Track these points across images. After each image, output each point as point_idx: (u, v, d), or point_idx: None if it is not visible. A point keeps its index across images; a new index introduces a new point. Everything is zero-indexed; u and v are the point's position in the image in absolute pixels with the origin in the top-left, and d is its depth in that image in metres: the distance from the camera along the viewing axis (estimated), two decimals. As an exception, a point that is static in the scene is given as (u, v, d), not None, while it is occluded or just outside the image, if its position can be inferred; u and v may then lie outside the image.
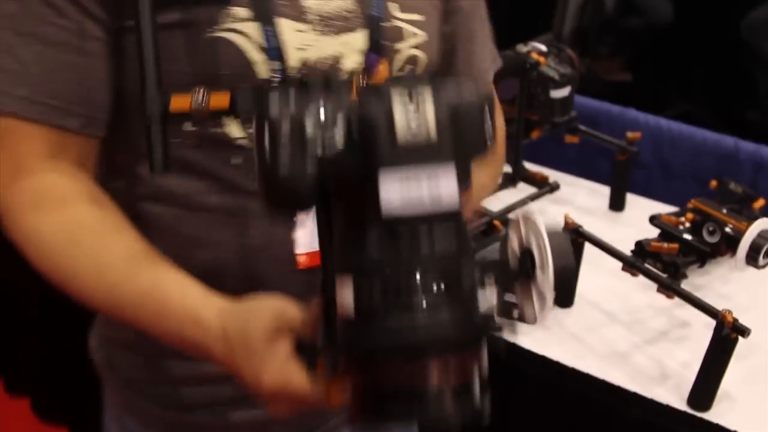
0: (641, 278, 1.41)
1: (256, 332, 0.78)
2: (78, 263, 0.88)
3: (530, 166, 1.95)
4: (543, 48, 1.82)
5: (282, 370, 0.76)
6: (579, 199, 1.91)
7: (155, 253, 0.88)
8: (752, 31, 4.00)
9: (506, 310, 0.66)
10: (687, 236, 1.47)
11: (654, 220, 1.55)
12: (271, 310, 0.79)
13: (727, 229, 1.43)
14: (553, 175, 1.94)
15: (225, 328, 0.81)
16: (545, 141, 2.00)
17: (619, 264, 1.43)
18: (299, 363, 0.75)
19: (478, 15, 1.13)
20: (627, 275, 1.43)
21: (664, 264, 1.42)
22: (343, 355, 0.64)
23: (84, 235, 0.88)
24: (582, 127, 1.91)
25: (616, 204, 1.88)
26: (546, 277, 0.64)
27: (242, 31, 0.90)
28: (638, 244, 1.46)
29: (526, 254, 0.66)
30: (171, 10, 0.87)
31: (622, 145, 1.84)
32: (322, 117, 0.62)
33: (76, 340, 1.20)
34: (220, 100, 0.74)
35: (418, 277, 0.59)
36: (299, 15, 0.93)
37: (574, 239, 1.46)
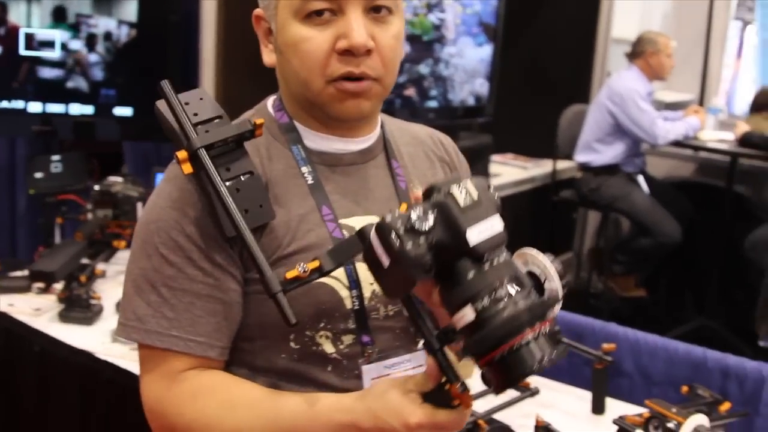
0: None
1: (392, 394, 1.06)
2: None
3: (524, 375, 2.21)
4: (526, 271, 2.13)
5: (424, 409, 1.04)
6: (564, 404, 2.14)
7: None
8: (755, 248, 4.28)
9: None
10: (639, 432, 1.71)
11: (617, 420, 1.80)
12: (397, 381, 1.07)
13: (670, 425, 1.67)
14: (541, 382, 2.19)
15: (366, 402, 1.08)
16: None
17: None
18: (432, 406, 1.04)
19: None
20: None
21: (618, 457, 1.66)
22: (477, 353, 0.95)
23: (238, 400, 1.17)
24: (565, 340, 2.17)
25: (597, 408, 2.11)
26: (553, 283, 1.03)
27: (335, 276, 1.20)
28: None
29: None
30: (284, 266, 1.16)
31: (599, 355, 2.10)
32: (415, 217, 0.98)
33: None
34: (313, 263, 1.08)
35: (506, 281, 0.96)
36: None
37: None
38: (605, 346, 2.12)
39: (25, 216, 3.34)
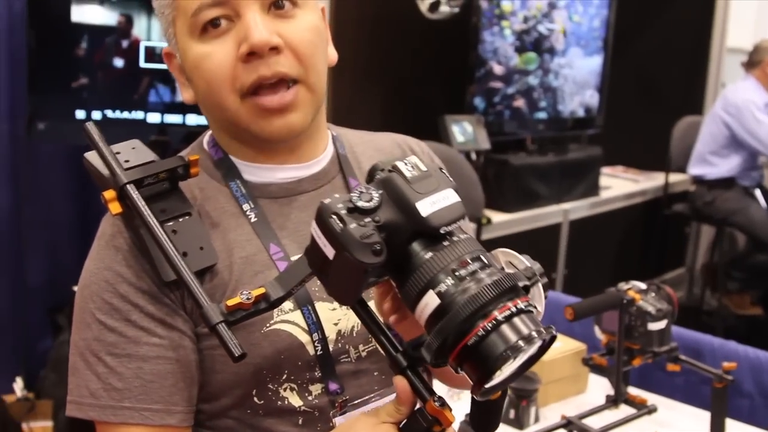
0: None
1: (361, 429, 0.91)
2: None
3: (639, 392, 2.16)
4: (642, 286, 2.07)
5: None
6: (681, 424, 2.08)
7: None
8: None
9: None
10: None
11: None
12: (366, 414, 0.94)
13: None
14: (657, 400, 2.13)
15: None
16: (654, 369, 2.22)
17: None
18: None
19: None
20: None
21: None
22: (445, 346, 0.81)
23: None
24: (682, 357, 2.11)
25: (717, 429, 2.04)
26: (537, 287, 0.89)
27: (291, 320, 1.10)
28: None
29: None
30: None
31: (719, 373, 2.04)
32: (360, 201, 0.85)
33: None
34: (258, 290, 0.93)
35: (469, 258, 0.83)
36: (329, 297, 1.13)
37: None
38: (725, 364, 2.05)
39: (142, 223, 3.44)
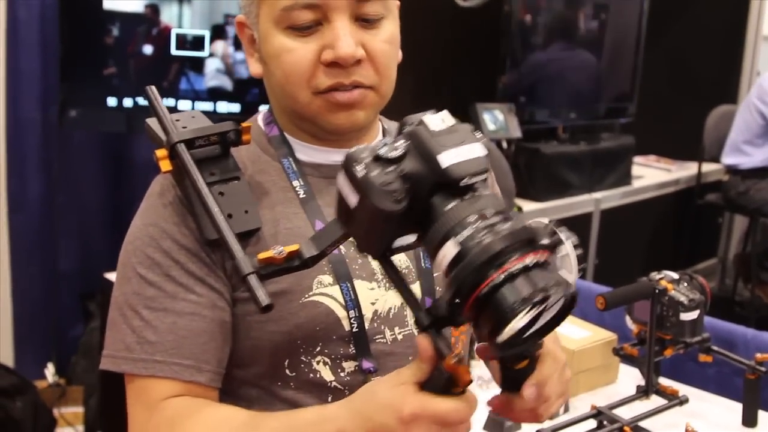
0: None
1: (381, 390, 0.91)
2: None
3: (670, 382, 2.13)
4: (675, 276, 2.05)
5: (418, 397, 0.89)
6: (713, 415, 2.05)
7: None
8: None
9: None
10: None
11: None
12: (388, 375, 0.93)
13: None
14: (688, 391, 2.11)
15: (352, 406, 0.94)
16: (686, 360, 2.19)
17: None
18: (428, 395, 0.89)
19: None
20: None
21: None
22: (460, 296, 0.81)
23: (219, 426, 1.04)
24: (714, 348, 2.09)
25: (749, 420, 2.02)
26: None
27: (329, 294, 1.12)
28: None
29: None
30: (276, 281, 1.02)
31: (752, 365, 2.01)
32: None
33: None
34: (292, 247, 0.96)
35: (490, 212, 0.83)
36: (370, 276, 1.16)
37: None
38: (759, 355, 2.02)
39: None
